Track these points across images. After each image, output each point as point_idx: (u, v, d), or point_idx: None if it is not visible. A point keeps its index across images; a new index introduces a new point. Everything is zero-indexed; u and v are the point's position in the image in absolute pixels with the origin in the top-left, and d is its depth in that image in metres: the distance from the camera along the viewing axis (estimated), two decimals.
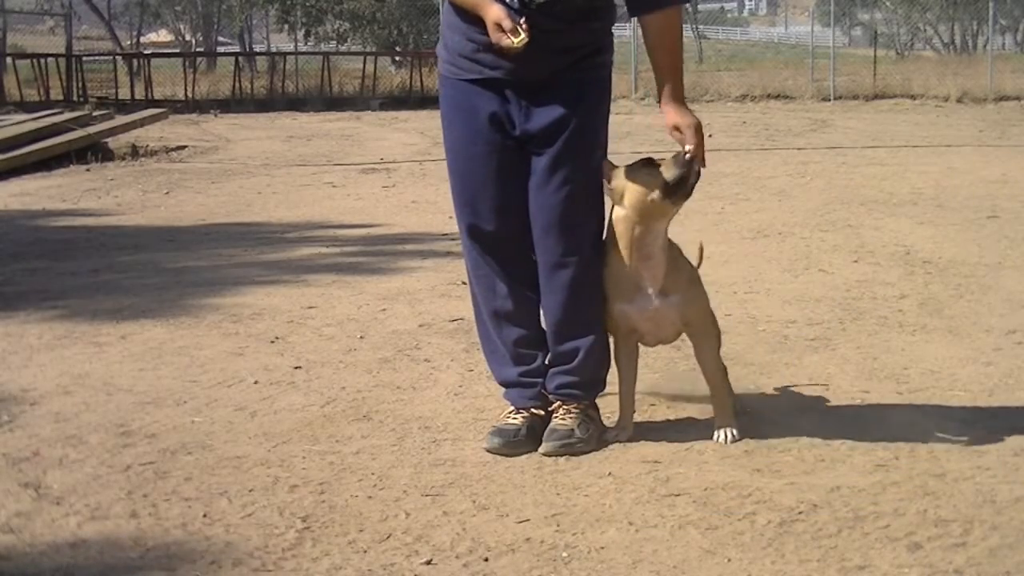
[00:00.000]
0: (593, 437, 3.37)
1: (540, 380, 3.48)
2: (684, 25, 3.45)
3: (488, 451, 3.33)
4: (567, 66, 3.31)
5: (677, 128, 3.26)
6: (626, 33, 22.47)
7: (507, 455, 3.30)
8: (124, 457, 3.33)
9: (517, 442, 3.33)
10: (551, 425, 3.39)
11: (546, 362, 3.50)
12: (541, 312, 3.49)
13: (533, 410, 3.43)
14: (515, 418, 3.42)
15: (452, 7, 3.35)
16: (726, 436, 3.37)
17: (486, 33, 3.21)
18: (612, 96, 3.48)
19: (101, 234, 7.47)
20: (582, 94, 3.32)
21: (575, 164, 3.30)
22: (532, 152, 3.35)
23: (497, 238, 3.41)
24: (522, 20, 3.14)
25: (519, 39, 3.13)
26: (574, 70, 3.31)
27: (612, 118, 3.44)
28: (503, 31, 3.14)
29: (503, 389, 3.56)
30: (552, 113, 3.30)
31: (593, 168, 3.33)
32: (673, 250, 3.38)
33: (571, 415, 3.38)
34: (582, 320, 3.38)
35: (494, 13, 3.15)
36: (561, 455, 3.29)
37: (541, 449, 3.31)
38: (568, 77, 3.31)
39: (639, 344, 3.47)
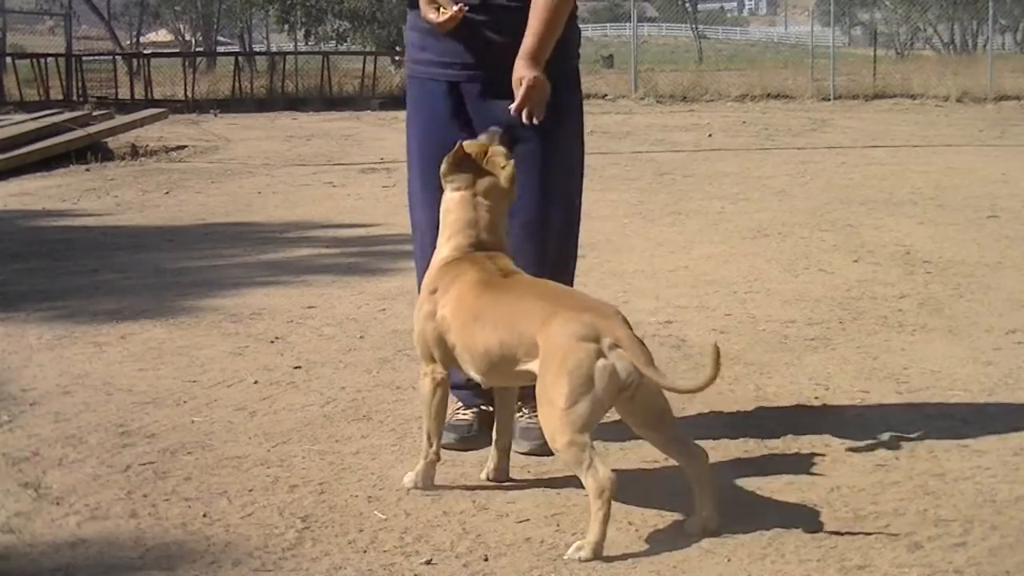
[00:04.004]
0: None
1: None
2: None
3: (443, 447, 3.33)
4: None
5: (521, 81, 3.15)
6: (626, 32, 22.45)
7: (461, 450, 3.33)
8: (124, 457, 3.33)
9: (471, 437, 3.38)
10: (522, 424, 3.38)
11: None
12: None
13: (482, 407, 3.46)
14: (465, 414, 3.46)
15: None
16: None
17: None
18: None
19: (101, 234, 7.46)
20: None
21: (541, 165, 3.28)
22: None
23: None
24: (458, 4, 3.19)
25: (443, 14, 3.20)
26: None
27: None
28: (431, 7, 3.21)
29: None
30: (504, 112, 3.22)
31: (567, 167, 3.29)
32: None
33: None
34: None
35: None
36: (542, 454, 3.26)
37: (522, 449, 3.32)
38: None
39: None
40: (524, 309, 2.82)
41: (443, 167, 3.06)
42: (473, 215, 3.03)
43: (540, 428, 3.27)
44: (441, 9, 3.21)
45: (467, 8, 3.21)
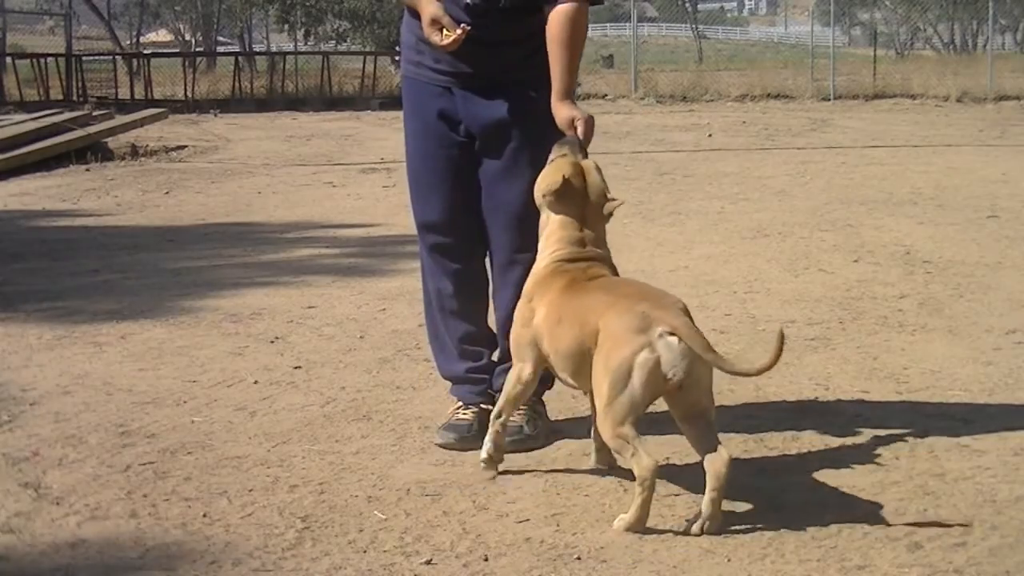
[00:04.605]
0: (542, 433, 3.42)
1: (487, 377, 3.54)
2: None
3: (441, 447, 3.37)
4: (511, 65, 3.34)
5: (574, 121, 3.24)
6: (626, 32, 22.43)
7: (460, 450, 3.34)
8: (124, 457, 3.33)
9: (471, 437, 3.38)
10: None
11: (493, 358, 3.55)
12: (491, 309, 3.55)
13: (483, 406, 3.47)
14: (465, 414, 3.48)
15: (405, 5, 3.46)
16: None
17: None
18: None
19: (101, 234, 7.47)
20: (527, 92, 3.34)
21: (528, 163, 3.32)
22: (482, 153, 3.42)
23: (445, 234, 3.48)
24: (461, 26, 3.25)
25: (447, 36, 3.25)
26: (519, 70, 3.34)
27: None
28: (434, 29, 3.27)
29: (450, 384, 3.62)
30: (494, 113, 3.36)
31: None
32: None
33: (520, 412, 3.40)
34: None
35: (429, 11, 3.27)
36: (511, 452, 3.28)
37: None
38: (513, 77, 3.35)
39: None
40: (590, 303, 2.92)
41: (549, 200, 3.12)
42: (572, 233, 3.11)
43: (515, 427, 3.33)
44: (444, 31, 3.26)
45: (470, 28, 3.26)
